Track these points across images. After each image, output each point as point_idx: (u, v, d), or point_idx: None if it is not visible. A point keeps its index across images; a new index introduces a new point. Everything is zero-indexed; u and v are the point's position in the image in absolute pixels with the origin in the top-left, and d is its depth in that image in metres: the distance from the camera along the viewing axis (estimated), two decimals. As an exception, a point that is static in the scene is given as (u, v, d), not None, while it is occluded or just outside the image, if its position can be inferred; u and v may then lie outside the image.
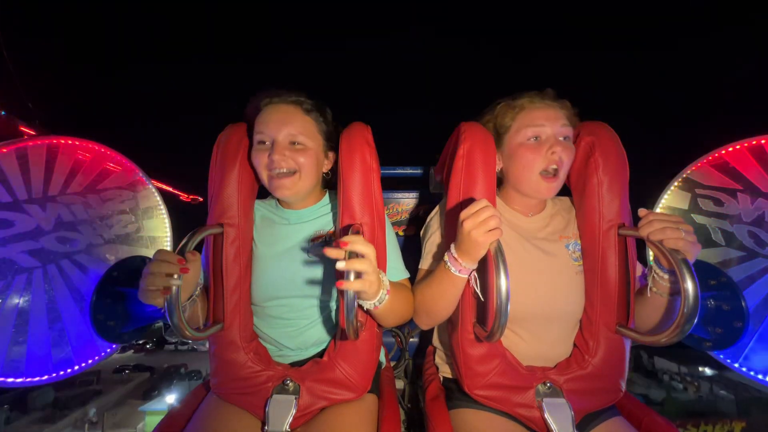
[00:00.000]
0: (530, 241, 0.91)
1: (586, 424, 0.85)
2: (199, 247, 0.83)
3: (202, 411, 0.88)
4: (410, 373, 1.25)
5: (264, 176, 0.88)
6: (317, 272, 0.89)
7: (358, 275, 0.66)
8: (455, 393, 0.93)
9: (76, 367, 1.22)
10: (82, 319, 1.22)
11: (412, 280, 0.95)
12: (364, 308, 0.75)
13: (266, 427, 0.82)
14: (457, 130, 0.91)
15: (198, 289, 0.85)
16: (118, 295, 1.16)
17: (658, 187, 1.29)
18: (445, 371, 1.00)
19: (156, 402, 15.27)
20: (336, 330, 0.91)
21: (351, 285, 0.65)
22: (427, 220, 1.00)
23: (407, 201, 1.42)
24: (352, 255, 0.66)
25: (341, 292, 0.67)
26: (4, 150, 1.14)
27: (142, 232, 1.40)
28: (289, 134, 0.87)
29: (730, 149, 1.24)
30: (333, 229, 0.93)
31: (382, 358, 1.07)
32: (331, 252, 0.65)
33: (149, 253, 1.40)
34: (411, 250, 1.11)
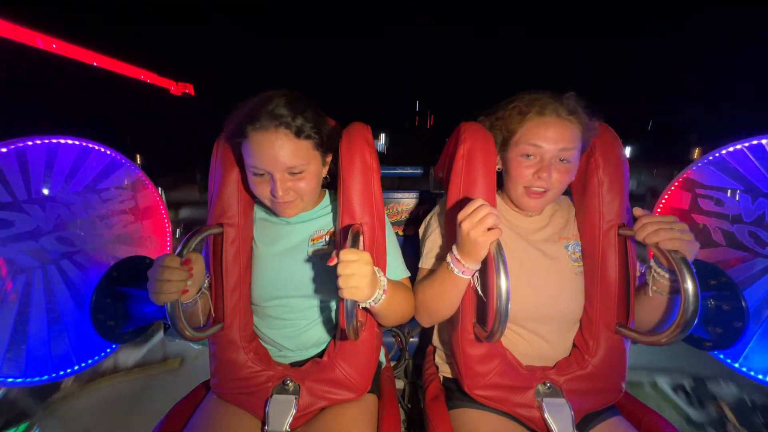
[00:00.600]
0: (530, 242, 0.91)
1: (586, 424, 0.85)
2: (198, 248, 0.83)
3: (202, 411, 0.88)
4: (410, 373, 1.25)
5: (266, 202, 0.85)
6: (317, 272, 0.89)
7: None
8: (455, 393, 0.93)
9: (76, 367, 1.22)
10: (82, 319, 1.22)
11: (412, 279, 0.95)
12: (361, 306, 0.74)
13: (266, 427, 0.82)
14: (457, 130, 0.91)
15: (206, 282, 0.86)
16: (118, 295, 1.16)
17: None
18: (445, 371, 1.00)
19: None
20: (336, 330, 0.91)
21: (343, 293, 0.66)
22: (427, 218, 1.00)
23: (407, 201, 1.42)
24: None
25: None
26: (4, 150, 1.14)
27: (142, 232, 1.40)
28: (286, 167, 0.79)
29: (731, 149, 1.24)
30: (333, 228, 0.93)
31: (382, 358, 1.07)
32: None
33: (149, 252, 1.40)
34: (411, 250, 1.11)
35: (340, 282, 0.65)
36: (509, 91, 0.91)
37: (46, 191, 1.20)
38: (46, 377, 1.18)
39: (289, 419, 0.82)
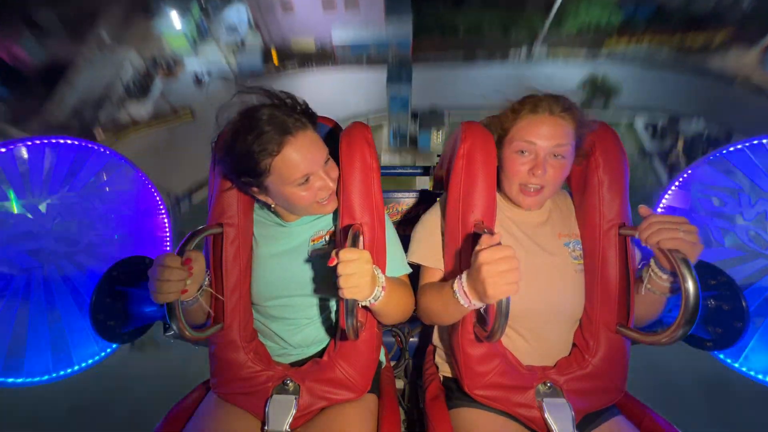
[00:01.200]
0: (529, 237, 0.91)
1: (587, 424, 0.85)
2: (198, 248, 0.83)
3: (202, 411, 0.88)
4: (410, 372, 1.25)
5: (313, 207, 0.85)
6: (317, 272, 0.89)
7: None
8: (455, 392, 0.93)
9: (76, 367, 1.22)
10: (81, 319, 1.22)
11: (413, 277, 0.95)
12: (361, 304, 0.74)
13: (266, 427, 0.82)
14: (457, 130, 0.91)
15: (206, 280, 0.86)
16: (118, 295, 1.16)
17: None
18: (445, 370, 1.00)
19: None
20: (336, 329, 0.91)
21: (343, 292, 0.66)
22: (425, 213, 1.00)
23: (407, 201, 1.42)
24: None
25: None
26: (4, 150, 1.13)
27: (142, 232, 1.40)
28: (320, 163, 0.81)
29: (731, 149, 1.24)
30: (333, 228, 0.93)
31: (382, 357, 1.07)
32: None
33: (149, 252, 1.40)
34: (411, 250, 1.10)
35: (341, 282, 0.65)
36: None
37: (45, 191, 1.20)
38: (46, 377, 1.18)
39: (289, 419, 0.82)
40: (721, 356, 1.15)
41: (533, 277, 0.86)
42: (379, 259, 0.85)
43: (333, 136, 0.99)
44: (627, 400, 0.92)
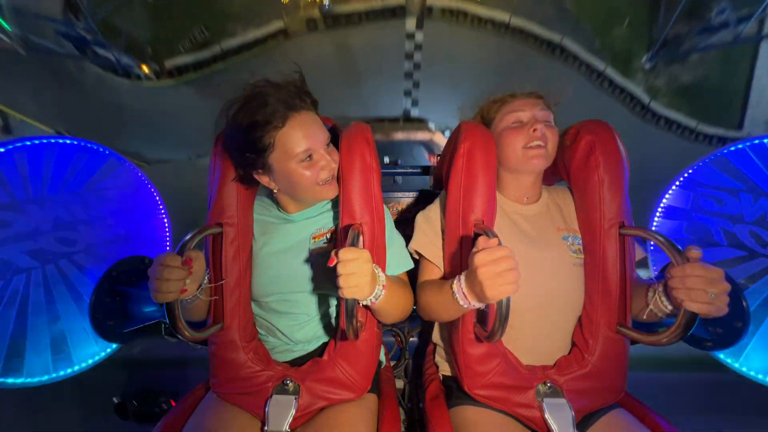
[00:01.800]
0: (528, 232, 0.91)
1: (587, 423, 0.85)
2: (197, 248, 0.83)
3: (201, 411, 0.88)
4: (410, 372, 1.25)
5: (314, 189, 0.85)
6: (318, 269, 0.89)
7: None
8: (455, 391, 0.93)
9: (76, 367, 1.22)
10: (81, 319, 1.22)
11: (411, 273, 0.95)
12: (362, 304, 0.74)
13: (266, 427, 0.82)
14: (457, 130, 0.91)
15: (206, 279, 0.85)
16: (118, 295, 1.16)
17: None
18: (445, 369, 1.00)
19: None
20: (336, 327, 0.91)
21: (343, 292, 0.66)
22: (429, 207, 1.00)
23: (407, 201, 1.42)
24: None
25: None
26: (3, 150, 1.13)
27: (141, 232, 1.40)
28: (323, 143, 0.83)
29: (732, 149, 1.24)
30: (333, 227, 0.93)
31: (382, 357, 1.07)
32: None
33: (148, 252, 1.40)
34: (411, 249, 1.10)
35: (341, 281, 0.65)
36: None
37: (45, 191, 1.20)
38: (46, 377, 1.18)
39: (289, 419, 0.82)
40: (721, 356, 1.15)
41: (532, 270, 0.86)
42: (379, 258, 0.85)
43: (333, 136, 0.99)
44: (627, 399, 0.92)
